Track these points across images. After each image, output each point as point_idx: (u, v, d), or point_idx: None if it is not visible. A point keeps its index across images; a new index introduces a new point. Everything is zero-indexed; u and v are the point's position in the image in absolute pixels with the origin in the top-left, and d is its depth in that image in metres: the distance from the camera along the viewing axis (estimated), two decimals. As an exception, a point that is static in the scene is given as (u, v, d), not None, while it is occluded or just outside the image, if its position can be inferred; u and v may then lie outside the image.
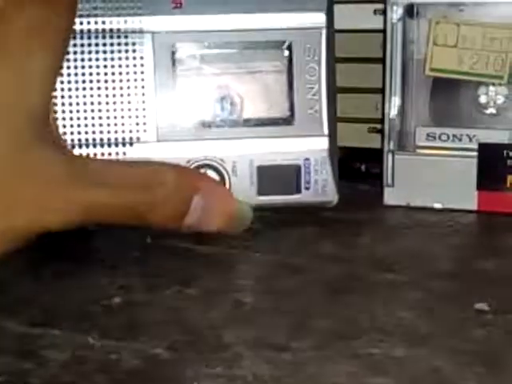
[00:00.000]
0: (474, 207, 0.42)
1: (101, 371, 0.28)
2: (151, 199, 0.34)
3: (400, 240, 0.39)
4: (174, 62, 0.40)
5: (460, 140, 0.42)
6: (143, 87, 0.40)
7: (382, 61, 0.43)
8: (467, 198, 0.42)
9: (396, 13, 0.42)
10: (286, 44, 0.41)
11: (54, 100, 0.39)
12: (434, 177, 0.42)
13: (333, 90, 0.41)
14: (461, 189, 0.42)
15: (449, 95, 0.42)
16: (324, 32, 0.41)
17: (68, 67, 0.39)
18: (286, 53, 0.41)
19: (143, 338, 0.30)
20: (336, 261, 0.37)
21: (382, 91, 0.43)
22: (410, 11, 0.42)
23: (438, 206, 0.43)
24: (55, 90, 0.38)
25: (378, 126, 0.46)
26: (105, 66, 0.40)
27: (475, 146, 0.42)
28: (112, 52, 0.40)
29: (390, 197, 0.43)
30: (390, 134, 0.43)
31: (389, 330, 0.30)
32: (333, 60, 0.41)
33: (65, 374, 0.27)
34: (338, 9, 0.43)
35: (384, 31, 0.42)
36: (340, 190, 0.42)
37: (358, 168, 0.47)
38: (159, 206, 0.34)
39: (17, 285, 0.34)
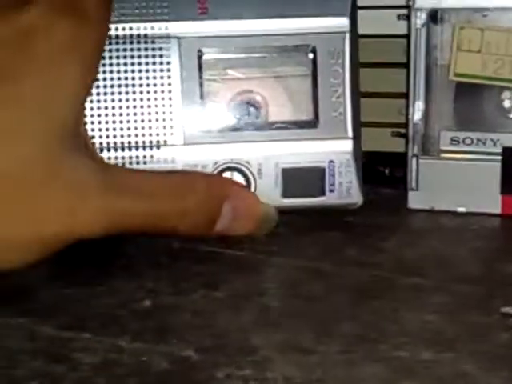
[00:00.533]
0: (498, 211, 0.42)
1: (132, 374, 0.28)
2: (183, 208, 0.34)
3: (425, 244, 0.39)
4: (200, 66, 0.41)
5: (484, 144, 0.42)
6: (170, 91, 0.41)
7: (406, 66, 0.43)
8: (491, 201, 0.42)
9: (420, 18, 0.42)
10: (311, 48, 0.41)
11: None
12: (457, 181, 0.43)
13: (357, 93, 0.42)
14: (485, 193, 0.42)
15: (473, 100, 0.42)
16: (348, 36, 0.41)
17: (97, 72, 0.40)
18: (311, 56, 0.41)
19: (173, 340, 0.30)
20: (361, 265, 0.37)
21: (405, 96, 0.44)
22: (433, 17, 0.42)
23: (461, 209, 0.43)
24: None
25: (402, 131, 0.46)
26: (132, 71, 0.40)
27: (499, 150, 0.42)
28: (139, 57, 0.40)
29: (414, 201, 0.43)
30: (413, 139, 0.43)
31: (415, 333, 0.31)
32: (356, 63, 0.42)
33: (97, 377, 0.28)
34: (361, 14, 0.43)
35: (408, 36, 0.43)
36: (364, 194, 0.42)
37: (381, 172, 0.48)
38: (191, 215, 0.34)
39: (46, 290, 0.35)
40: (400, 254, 0.38)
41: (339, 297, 0.34)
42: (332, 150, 0.41)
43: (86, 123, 0.39)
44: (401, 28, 0.45)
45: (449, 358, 0.29)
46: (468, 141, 0.42)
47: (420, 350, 0.29)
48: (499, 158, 0.42)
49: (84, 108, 0.33)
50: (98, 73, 0.33)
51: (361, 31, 0.42)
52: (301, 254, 0.38)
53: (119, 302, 0.33)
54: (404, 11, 0.45)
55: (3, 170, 0.30)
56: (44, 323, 0.31)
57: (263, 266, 0.37)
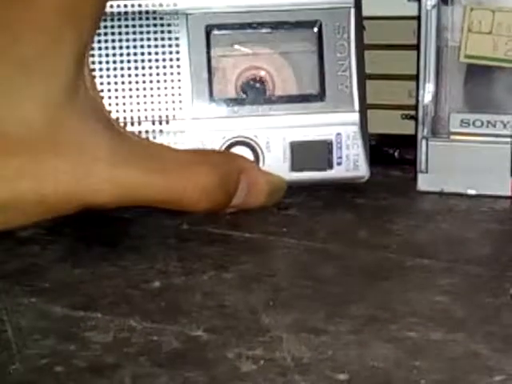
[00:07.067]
0: (508, 193, 0.42)
1: (143, 353, 0.28)
2: (203, 184, 0.34)
3: (434, 226, 0.39)
4: (207, 42, 0.41)
5: (494, 126, 0.42)
6: (178, 66, 0.41)
7: (416, 47, 0.43)
8: (501, 184, 0.42)
9: (430, -1, 0.42)
10: (316, 23, 0.42)
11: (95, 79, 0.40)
12: (467, 163, 0.42)
13: (362, 68, 0.42)
14: (494, 175, 0.42)
15: (483, 81, 0.42)
16: (353, 11, 0.41)
17: (106, 48, 0.40)
18: (317, 31, 0.41)
19: (183, 320, 0.30)
20: (371, 247, 0.37)
21: (415, 78, 0.44)
22: (444, -2, 0.42)
23: (471, 192, 0.43)
24: (93, 69, 0.39)
25: (412, 113, 0.46)
26: (141, 47, 0.41)
27: (509, 133, 0.42)
28: (148, 33, 0.41)
29: (424, 183, 0.43)
30: (423, 121, 0.43)
31: (425, 314, 0.31)
32: (361, 38, 0.42)
33: (108, 356, 0.28)
34: (372, -4, 0.43)
35: (418, 18, 0.43)
36: (374, 176, 0.42)
37: (391, 154, 0.48)
38: (211, 191, 0.34)
39: (57, 270, 0.35)
40: (410, 235, 0.38)
41: (349, 278, 0.34)
42: (339, 123, 0.42)
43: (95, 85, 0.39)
44: (411, 9, 0.45)
45: (459, 339, 0.29)
46: (478, 123, 0.42)
47: (430, 331, 0.29)
48: (509, 140, 0.42)
49: (84, 68, 0.32)
50: (94, 34, 0.33)
51: (371, 13, 0.42)
52: (311, 236, 0.38)
53: (130, 283, 0.33)
54: (415, -8, 0.45)
55: (5, 130, 0.30)
56: (55, 303, 0.32)
57: (273, 247, 0.37)
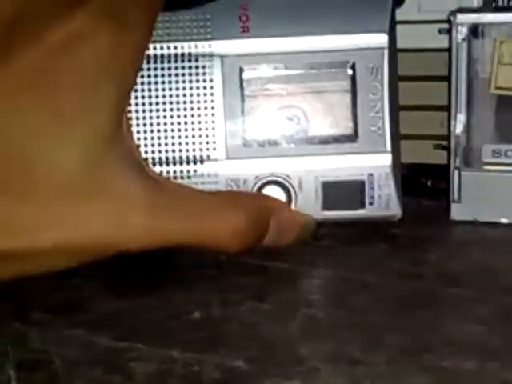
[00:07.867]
0: (541, 222, 0.43)
1: (185, 383, 0.29)
2: (234, 227, 0.35)
3: (467, 255, 0.40)
4: (241, 83, 0.42)
5: (525, 156, 0.43)
6: (213, 108, 0.42)
7: (447, 79, 0.44)
8: (533, 212, 0.43)
9: (461, 33, 0.42)
10: (350, 64, 0.42)
11: (130, 122, 0.41)
12: (500, 192, 0.43)
13: (395, 108, 0.43)
14: (527, 204, 0.43)
15: (514, 112, 0.43)
16: (386, 52, 0.42)
17: (142, 90, 0.41)
18: (350, 72, 0.42)
19: (223, 351, 0.31)
20: (405, 276, 0.37)
21: (447, 109, 0.44)
22: (474, 31, 0.42)
23: (504, 220, 0.43)
24: (128, 110, 0.40)
25: (443, 143, 0.47)
26: (177, 89, 0.42)
27: (540, 162, 0.42)
28: (183, 75, 0.42)
29: (457, 212, 0.44)
30: (456, 151, 0.44)
31: (459, 343, 0.31)
32: (395, 79, 0.43)
33: (151, 387, 0.29)
34: (403, 29, 0.44)
35: (449, 50, 0.43)
36: (407, 206, 0.43)
37: (424, 184, 0.48)
38: (242, 234, 0.35)
39: (99, 302, 0.36)
40: (443, 265, 0.39)
41: (384, 308, 0.35)
42: (371, 164, 0.42)
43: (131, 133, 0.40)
44: (442, 42, 0.46)
45: (494, 368, 0.29)
46: (510, 153, 0.43)
47: (465, 360, 0.30)
48: (541, 169, 0.42)
49: (122, 119, 0.32)
50: (136, 81, 0.33)
51: (403, 45, 0.43)
52: (345, 266, 0.39)
53: (170, 314, 0.34)
54: (445, 25, 0.45)
55: (41, 178, 0.31)
56: (100, 334, 0.33)
57: (308, 277, 0.38)
